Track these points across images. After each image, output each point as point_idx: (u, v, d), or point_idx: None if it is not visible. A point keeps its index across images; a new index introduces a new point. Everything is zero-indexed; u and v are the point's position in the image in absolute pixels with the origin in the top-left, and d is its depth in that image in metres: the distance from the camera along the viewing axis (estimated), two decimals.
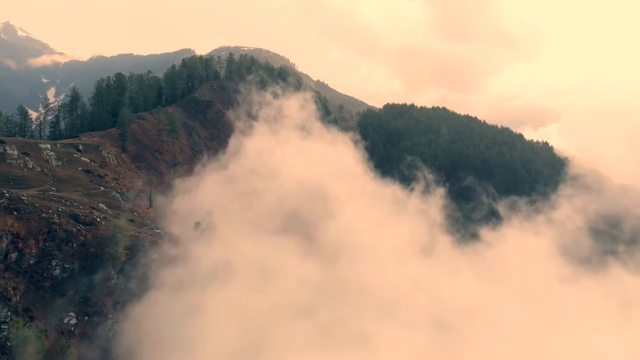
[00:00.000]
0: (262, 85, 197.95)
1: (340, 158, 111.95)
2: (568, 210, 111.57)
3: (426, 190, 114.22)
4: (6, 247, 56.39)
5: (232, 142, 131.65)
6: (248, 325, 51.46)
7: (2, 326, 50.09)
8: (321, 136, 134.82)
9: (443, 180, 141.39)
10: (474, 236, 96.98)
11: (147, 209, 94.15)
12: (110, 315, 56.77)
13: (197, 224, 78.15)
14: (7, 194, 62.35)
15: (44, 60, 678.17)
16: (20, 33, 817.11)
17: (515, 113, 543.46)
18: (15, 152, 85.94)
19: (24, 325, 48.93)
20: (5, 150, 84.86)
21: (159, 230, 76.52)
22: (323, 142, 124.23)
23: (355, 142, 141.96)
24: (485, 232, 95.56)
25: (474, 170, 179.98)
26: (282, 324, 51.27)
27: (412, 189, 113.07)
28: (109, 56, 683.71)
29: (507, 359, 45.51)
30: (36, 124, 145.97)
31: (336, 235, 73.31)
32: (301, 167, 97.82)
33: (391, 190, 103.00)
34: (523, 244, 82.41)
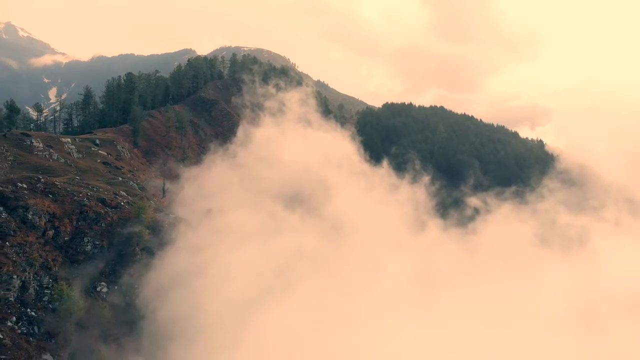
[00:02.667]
0: (265, 78, 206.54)
1: (339, 149, 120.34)
2: (552, 202, 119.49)
3: (414, 180, 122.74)
4: (44, 224, 63.87)
5: (238, 131, 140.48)
6: (264, 269, 59.42)
7: (45, 291, 57.61)
8: (321, 128, 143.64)
9: (432, 170, 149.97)
10: (462, 221, 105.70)
11: (161, 198, 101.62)
12: (135, 286, 64.23)
13: (209, 210, 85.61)
14: (42, 179, 69.84)
15: (46, 60, 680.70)
16: (21, 33, 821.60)
17: (514, 113, 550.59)
18: (41, 145, 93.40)
19: (67, 289, 56.49)
20: (31, 142, 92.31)
21: (174, 215, 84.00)
22: (323, 133, 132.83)
23: (353, 138, 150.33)
24: (472, 219, 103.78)
25: (468, 165, 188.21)
26: (297, 265, 59.50)
27: (403, 177, 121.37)
28: (110, 56, 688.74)
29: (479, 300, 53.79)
30: (50, 120, 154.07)
31: (334, 214, 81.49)
32: (302, 156, 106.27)
33: (384, 178, 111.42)
34: (506, 229, 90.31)
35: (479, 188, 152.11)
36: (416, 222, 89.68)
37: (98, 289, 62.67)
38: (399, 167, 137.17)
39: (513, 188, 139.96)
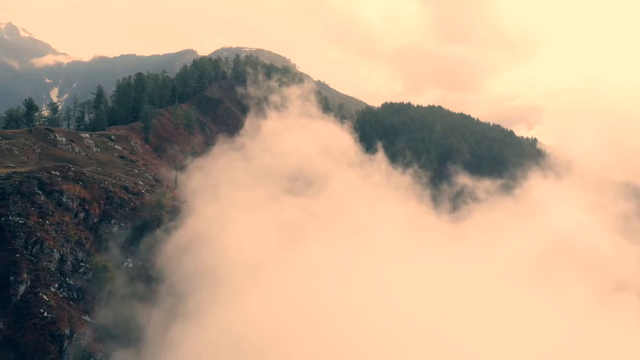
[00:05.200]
0: (268, 74, 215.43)
1: (338, 143, 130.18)
2: (535, 193, 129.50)
3: (406, 168, 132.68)
4: (76, 207, 71.68)
5: (243, 123, 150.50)
6: (273, 229, 68.54)
7: (81, 263, 65.43)
8: (322, 122, 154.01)
9: (424, 160, 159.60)
10: (450, 196, 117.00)
11: (174, 189, 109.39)
12: (156, 259, 72.21)
13: (218, 193, 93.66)
14: (72, 168, 77.64)
15: (47, 60, 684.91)
16: (22, 34, 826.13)
17: (513, 113, 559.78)
18: (64, 139, 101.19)
19: (101, 261, 64.38)
20: (55, 137, 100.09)
21: (188, 202, 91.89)
22: (324, 126, 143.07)
23: (352, 134, 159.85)
24: (459, 195, 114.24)
25: (462, 161, 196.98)
26: (304, 225, 68.36)
27: (396, 168, 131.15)
28: (111, 57, 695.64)
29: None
30: (63, 118, 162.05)
31: (334, 193, 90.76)
32: (304, 147, 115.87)
33: (380, 166, 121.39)
34: (487, 208, 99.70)
35: (468, 168, 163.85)
36: (407, 199, 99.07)
37: (124, 264, 70.55)
38: (394, 159, 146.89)
39: (502, 180, 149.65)
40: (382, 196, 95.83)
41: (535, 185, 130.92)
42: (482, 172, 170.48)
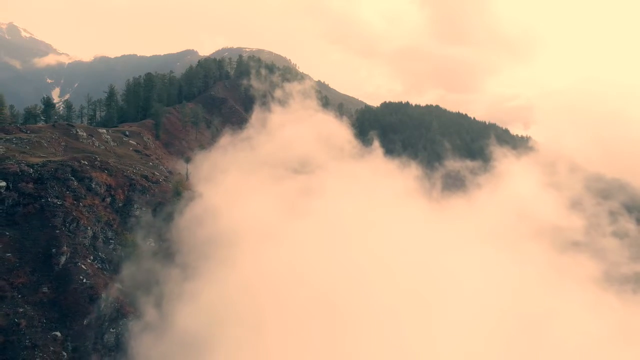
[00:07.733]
0: (270, 71, 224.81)
1: (338, 137, 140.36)
2: (508, 175, 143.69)
3: (399, 156, 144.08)
4: (104, 192, 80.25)
5: (246, 117, 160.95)
6: (278, 203, 78.54)
7: (110, 240, 74.01)
8: (322, 116, 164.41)
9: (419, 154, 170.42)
10: (439, 187, 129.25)
11: (186, 181, 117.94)
12: (174, 234, 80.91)
13: (226, 179, 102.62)
14: (98, 159, 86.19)
15: (49, 60, 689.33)
16: (24, 34, 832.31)
17: (511, 112, 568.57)
18: (84, 134, 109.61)
19: (130, 237, 73.02)
20: (77, 132, 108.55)
21: (200, 187, 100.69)
22: (324, 120, 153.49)
23: (350, 130, 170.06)
24: (445, 187, 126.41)
25: (453, 148, 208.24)
26: (306, 199, 78.02)
27: (392, 160, 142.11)
28: (112, 57, 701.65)
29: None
30: (77, 115, 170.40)
31: (333, 174, 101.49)
32: (305, 140, 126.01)
33: (377, 156, 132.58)
34: (471, 194, 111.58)
35: (457, 155, 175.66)
36: (400, 179, 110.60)
37: (147, 243, 79.11)
38: (391, 153, 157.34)
39: (485, 164, 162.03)
40: (378, 180, 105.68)
41: (508, 166, 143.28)
42: (468, 157, 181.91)
